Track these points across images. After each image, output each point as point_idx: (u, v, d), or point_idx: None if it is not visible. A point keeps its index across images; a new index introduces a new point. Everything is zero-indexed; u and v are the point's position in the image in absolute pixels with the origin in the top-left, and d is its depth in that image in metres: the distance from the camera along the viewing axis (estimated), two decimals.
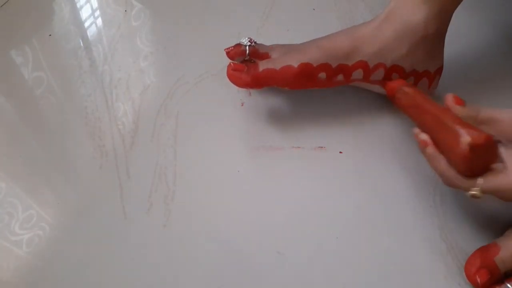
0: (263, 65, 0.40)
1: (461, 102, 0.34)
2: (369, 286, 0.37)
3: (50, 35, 0.50)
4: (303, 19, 0.53)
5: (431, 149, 0.35)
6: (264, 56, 0.42)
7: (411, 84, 0.40)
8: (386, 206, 0.41)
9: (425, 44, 0.40)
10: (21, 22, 0.51)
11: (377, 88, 0.43)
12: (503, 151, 0.33)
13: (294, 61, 0.39)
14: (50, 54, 0.49)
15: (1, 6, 0.52)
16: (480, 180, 0.33)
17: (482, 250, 0.37)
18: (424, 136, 0.35)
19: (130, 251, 0.37)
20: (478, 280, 0.36)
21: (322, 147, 0.44)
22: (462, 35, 0.52)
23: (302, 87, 0.41)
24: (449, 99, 0.35)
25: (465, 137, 0.32)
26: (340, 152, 0.44)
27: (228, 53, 0.42)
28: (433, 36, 0.40)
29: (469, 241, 0.39)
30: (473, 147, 0.31)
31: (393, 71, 0.41)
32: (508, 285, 0.36)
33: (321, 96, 0.46)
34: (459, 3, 0.40)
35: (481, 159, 0.32)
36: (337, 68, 0.40)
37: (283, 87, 0.41)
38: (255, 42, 0.42)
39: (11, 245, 0.37)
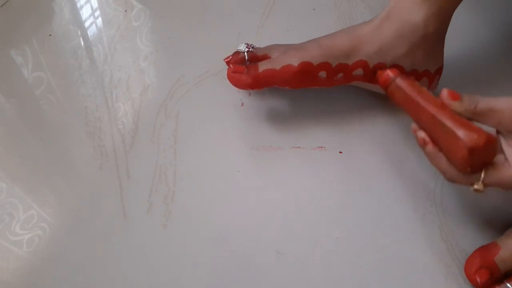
0: (262, 66, 0.40)
1: (457, 96, 0.33)
2: (369, 286, 0.37)
3: (50, 35, 0.50)
4: (303, 19, 0.53)
5: (430, 147, 0.34)
6: (264, 58, 0.42)
7: (404, 75, 0.39)
8: (386, 205, 0.41)
9: (425, 44, 0.40)
10: (21, 22, 0.51)
11: (377, 88, 0.43)
12: (503, 142, 0.33)
13: (294, 60, 0.39)
14: (50, 54, 0.49)
15: (1, 6, 0.52)
16: (482, 175, 0.32)
17: (482, 250, 0.37)
18: (422, 134, 0.35)
19: (130, 251, 0.37)
20: (478, 280, 0.36)
21: (322, 147, 0.44)
22: (462, 35, 0.52)
23: (302, 86, 0.41)
24: (444, 94, 0.34)
25: (463, 141, 0.31)
26: (340, 152, 0.44)
27: (227, 63, 0.42)
28: (433, 36, 0.40)
29: (469, 241, 0.39)
30: (472, 150, 0.31)
31: None
32: (508, 285, 0.36)
33: (321, 97, 0.46)
34: (459, 3, 0.40)
35: (481, 158, 0.32)
36: (337, 67, 0.40)
37: (284, 87, 0.41)
38: (252, 47, 0.42)
39: (11, 245, 0.37)
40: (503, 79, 0.50)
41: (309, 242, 0.39)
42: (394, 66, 0.41)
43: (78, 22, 0.52)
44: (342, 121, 0.45)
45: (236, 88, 0.41)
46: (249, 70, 0.40)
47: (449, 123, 0.32)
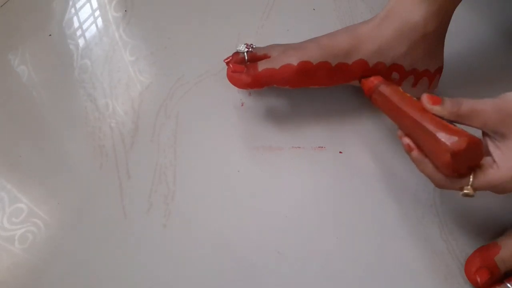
0: (262, 65, 0.40)
1: (437, 101, 0.32)
2: (369, 285, 0.37)
3: (50, 35, 0.50)
4: (303, 19, 0.53)
5: (415, 153, 0.33)
6: (264, 57, 0.42)
7: (388, 82, 0.38)
8: (386, 205, 0.41)
9: (425, 43, 0.40)
10: (21, 22, 0.51)
11: None
12: (490, 144, 0.32)
13: (294, 59, 0.39)
14: (50, 54, 0.49)
15: (1, 6, 0.52)
16: (470, 179, 0.31)
17: (482, 250, 0.37)
18: (407, 140, 0.34)
19: (130, 251, 0.37)
20: (478, 279, 0.36)
21: (322, 147, 0.44)
22: (462, 35, 0.52)
23: (302, 85, 0.41)
24: (424, 100, 0.33)
25: (445, 144, 0.30)
26: (340, 152, 0.44)
27: (227, 63, 0.41)
28: (433, 35, 0.40)
29: (469, 241, 0.39)
30: (454, 154, 0.30)
31: (393, 70, 0.41)
32: (508, 284, 0.36)
33: (321, 96, 0.46)
34: (458, 2, 0.40)
35: (466, 161, 0.31)
36: (337, 67, 0.40)
37: (283, 86, 0.41)
38: (252, 47, 0.42)
39: (9, 244, 0.37)
40: (504, 79, 0.50)
41: (309, 242, 0.39)
42: (394, 65, 0.41)
43: (78, 22, 0.52)
44: (342, 121, 0.45)
45: (236, 88, 0.41)
46: (249, 70, 0.40)
47: (430, 127, 0.32)
